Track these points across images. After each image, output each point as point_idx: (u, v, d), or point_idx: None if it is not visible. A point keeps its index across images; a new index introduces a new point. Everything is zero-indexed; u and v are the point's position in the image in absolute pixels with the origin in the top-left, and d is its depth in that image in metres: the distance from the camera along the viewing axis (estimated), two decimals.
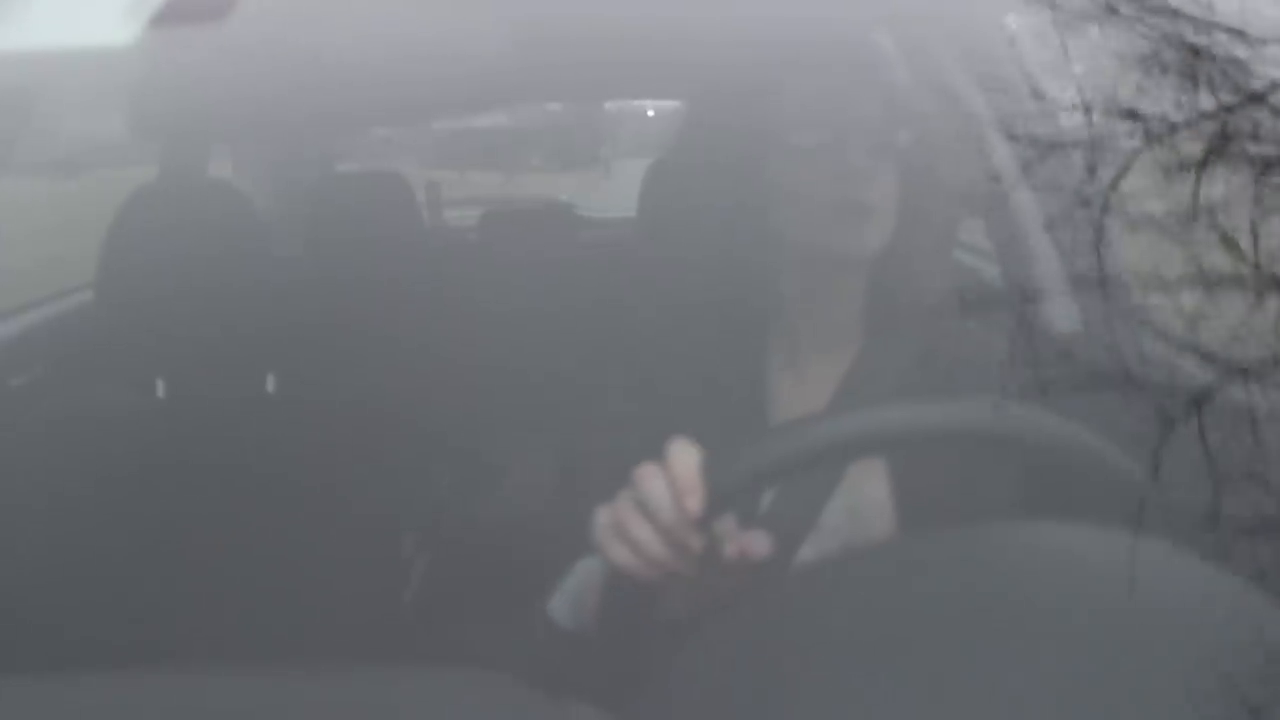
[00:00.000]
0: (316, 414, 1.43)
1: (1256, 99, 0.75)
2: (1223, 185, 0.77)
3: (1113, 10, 0.75)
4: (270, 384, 1.47)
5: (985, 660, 0.74)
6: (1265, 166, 0.76)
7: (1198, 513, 0.70)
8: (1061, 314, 1.08)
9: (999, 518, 0.98)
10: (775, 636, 0.88)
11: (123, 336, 1.40)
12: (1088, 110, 0.85)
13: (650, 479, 0.89)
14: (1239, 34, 0.76)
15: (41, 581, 1.17)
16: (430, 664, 1.01)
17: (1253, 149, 0.77)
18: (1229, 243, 0.74)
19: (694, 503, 0.87)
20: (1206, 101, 0.78)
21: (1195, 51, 0.76)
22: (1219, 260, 0.76)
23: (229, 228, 1.42)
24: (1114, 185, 0.87)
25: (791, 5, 1.22)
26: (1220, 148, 0.80)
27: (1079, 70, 0.82)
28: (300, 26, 1.30)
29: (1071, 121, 0.90)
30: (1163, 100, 0.79)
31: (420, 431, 1.42)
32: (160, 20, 1.20)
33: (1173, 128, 0.80)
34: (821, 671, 0.80)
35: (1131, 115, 0.81)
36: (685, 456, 0.89)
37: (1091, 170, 0.87)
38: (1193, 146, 0.82)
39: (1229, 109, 0.70)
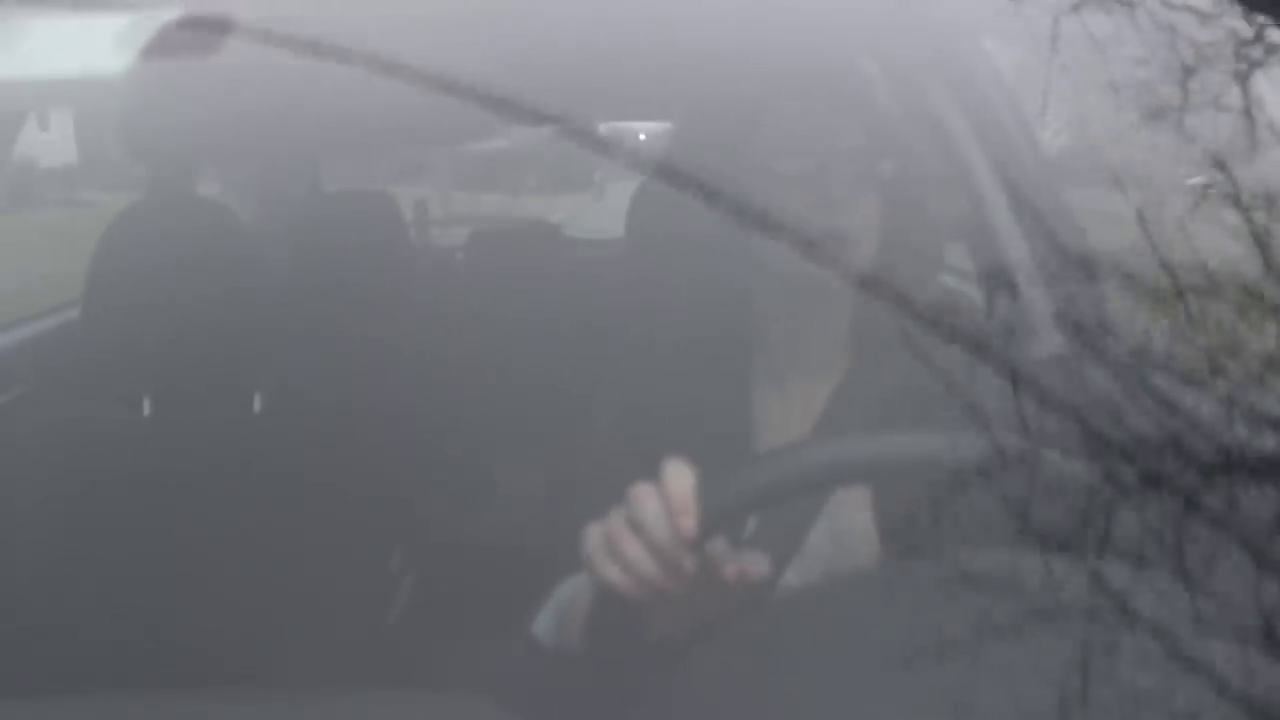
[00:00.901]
0: (303, 432, 1.43)
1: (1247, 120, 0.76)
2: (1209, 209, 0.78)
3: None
4: (257, 403, 1.47)
5: (971, 682, 0.74)
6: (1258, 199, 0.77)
7: (1179, 534, 0.70)
8: (1045, 339, 1.09)
9: (981, 543, 0.99)
10: (760, 659, 0.88)
11: (109, 354, 1.40)
12: (1068, 133, 0.86)
13: (645, 498, 0.90)
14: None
15: (26, 599, 1.17)
16: (414, 685, 1.01)
17: (1238, 177, 0.78)
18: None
19: (688, 523, 0.88)
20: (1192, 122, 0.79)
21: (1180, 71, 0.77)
22: (1201, 284, 0.76)
23: (217, 246, 1.42)
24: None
25: (779, 32, 1.23)
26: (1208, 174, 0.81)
27: (1059, 94, 0.83)
28: (297, 51, 1.30)
29: (1053, 144, 0.91)
30: (1145, 123, 0.80)
31: (407, 450, 1.42)
32: (151, 50, 1.22)
33: (1158, 150, 0.81)
34: (806, 694, 0.80)
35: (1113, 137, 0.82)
36: (681, 476, 0.90)
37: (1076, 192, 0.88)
38: (1178, 171, 0.83)
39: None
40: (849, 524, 1.13)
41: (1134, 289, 0.83)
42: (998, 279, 1.35)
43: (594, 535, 0.93)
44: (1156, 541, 0.73)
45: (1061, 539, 0.83)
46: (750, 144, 1.19)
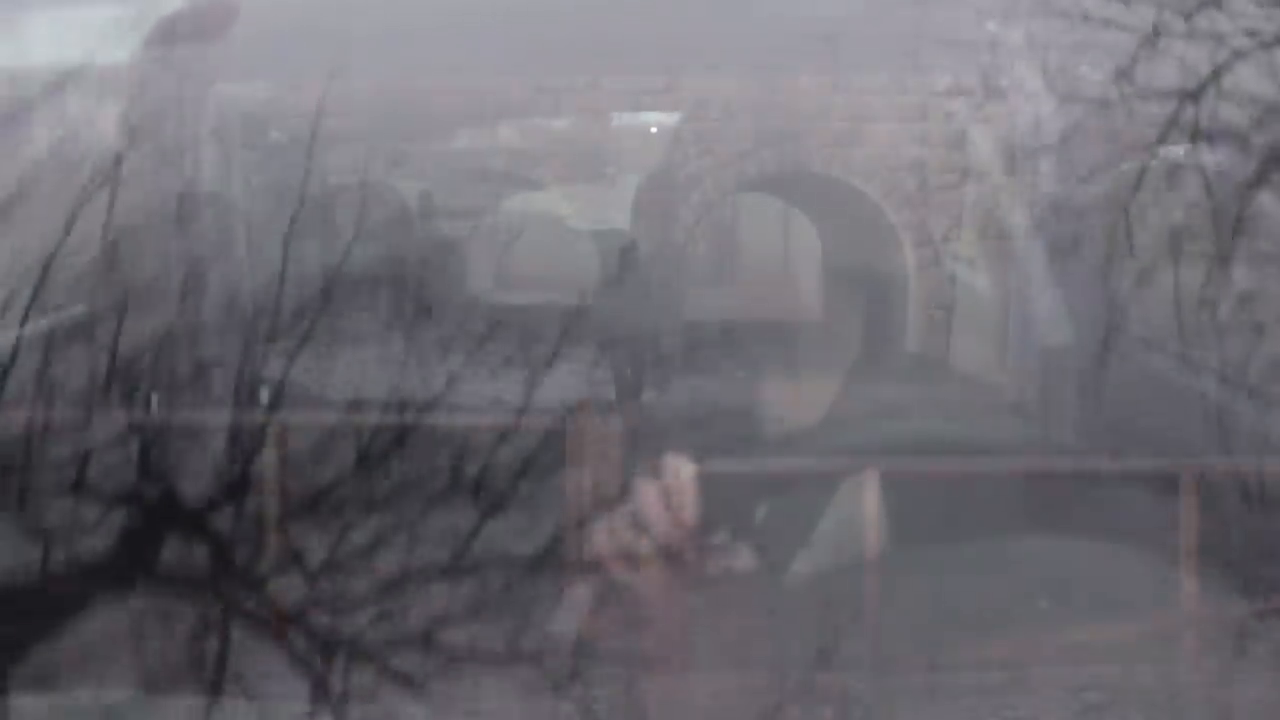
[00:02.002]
0: (310, 426, 1.43)
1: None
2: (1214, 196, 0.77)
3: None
4: (264, 397, 1.47)
5: (977, 669, 0.74)
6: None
7: (1186, 519, 0.70)
8: (1050, 326, 1.08)
9: (987, 532, 0.99)
10: (767, 647, 0.89)
11: (115, 351, 1.40)
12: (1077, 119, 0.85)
13: (648, 492, 0.91)
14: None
15: (31, 600, 1.17)
16: (428, 680, 1.01)
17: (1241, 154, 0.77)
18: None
19: (689, 516, 0.89)
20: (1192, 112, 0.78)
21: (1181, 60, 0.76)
22: (1210, 272, 0.75)
23: (221, 240, 1.43)
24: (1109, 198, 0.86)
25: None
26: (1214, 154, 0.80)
27: (1065, 77, 0.82)
28: (302, 39, 1.30)
29: (1061, 130, 0.90)
30: (1149, 107, 0.79)
31: (414, 442, 1.42)
32: (155, 38, 1.22)
33: (1163, 137, 0.80)
34: (813, 680, 0.80)
35: (1121, 126, 0.81)
36: (681, 471, 0.91)
37: (1082, 181, 0.87)
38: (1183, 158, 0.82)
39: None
40: (856, 512, 1.13)
41: (1142, 276, 0.82)
42: (1006, 267, 1.34)
43: (601, 530, 0.95)
44: (1163, 527, 0.72)
45: (1064, 526, 0.82)
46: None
